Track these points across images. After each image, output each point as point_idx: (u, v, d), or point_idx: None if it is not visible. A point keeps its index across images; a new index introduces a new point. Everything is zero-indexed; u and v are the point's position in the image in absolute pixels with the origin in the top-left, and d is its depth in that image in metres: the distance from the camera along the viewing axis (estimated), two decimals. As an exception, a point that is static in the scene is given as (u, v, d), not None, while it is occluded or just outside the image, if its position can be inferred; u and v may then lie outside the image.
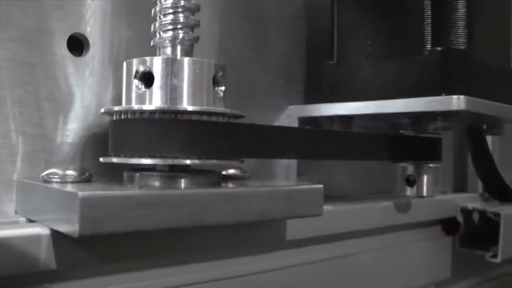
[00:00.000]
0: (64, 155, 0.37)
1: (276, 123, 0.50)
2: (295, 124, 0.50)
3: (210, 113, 0.34)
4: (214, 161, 0.33)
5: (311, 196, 0.37)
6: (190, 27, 0.36)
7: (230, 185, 0.36)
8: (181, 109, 0.33)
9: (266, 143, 0.37)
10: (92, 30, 0.38)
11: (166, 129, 0.32)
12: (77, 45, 0.38)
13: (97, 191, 0.28)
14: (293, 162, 0.51)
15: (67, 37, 0.37)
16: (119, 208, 0.28)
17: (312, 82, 0.53)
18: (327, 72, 0.51)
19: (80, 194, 0.27)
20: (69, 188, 0.29)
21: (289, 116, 0.51)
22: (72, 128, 0.38)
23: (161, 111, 0.33)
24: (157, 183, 0.34)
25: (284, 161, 0.51)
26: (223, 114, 0.34)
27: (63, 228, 0.28)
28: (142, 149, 0.33)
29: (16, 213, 0.35)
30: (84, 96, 0.38)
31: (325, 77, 0.51)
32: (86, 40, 0.38)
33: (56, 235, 0.30)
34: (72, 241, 0.30)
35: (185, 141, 0.32)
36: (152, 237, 0.34)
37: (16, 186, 0.35)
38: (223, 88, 0.36)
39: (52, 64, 0.36)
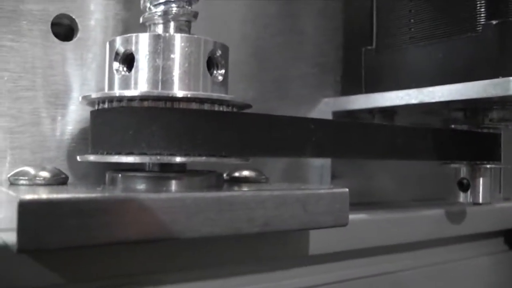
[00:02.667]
0: (54, 153, 0.32)
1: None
2: (328, 119, 0.44)
3: (202, 100, 0.28)
4: (204, 159, 0.27)
5: (333, 202, 0.30)
6: (187, 0, 0.30)
7: (233, 188, 0.30)
8: (163, 95, 0.27)
9: (276, 136, 0.30)
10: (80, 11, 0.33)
11: (143, 119, 0.26)
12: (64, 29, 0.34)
13: (45, 195, 0.22)
14: (327, 163, 0.45)
15: (51, 18, 0.32)
16: (71, 216, 0.22)
17: (349, 71, 0.47)
18: (365, 59, 0.45)
19: (21, 198, 0.21)
20: (16, 191, 0.24)
21: (322, 111, 0.45)
22: (64, 123, 0.33)
23: (141, 98, 0.27)
24: (142, 186, 0.28)
25: (317, 162, 0.45)
26: (220, 102, 0.28)
27: (9, 239, 0.23)
28: (119, 145, 0.27)
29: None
30: (71, 86, 0.33)
31: (363, 65, 0.45)
32: (74, 22, 0.33)
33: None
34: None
35: (166, 134, 0.26)
36: (130, 251, 0.28)
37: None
38: (222, 71, 0.30)
39: (33, 50, 0.32)
